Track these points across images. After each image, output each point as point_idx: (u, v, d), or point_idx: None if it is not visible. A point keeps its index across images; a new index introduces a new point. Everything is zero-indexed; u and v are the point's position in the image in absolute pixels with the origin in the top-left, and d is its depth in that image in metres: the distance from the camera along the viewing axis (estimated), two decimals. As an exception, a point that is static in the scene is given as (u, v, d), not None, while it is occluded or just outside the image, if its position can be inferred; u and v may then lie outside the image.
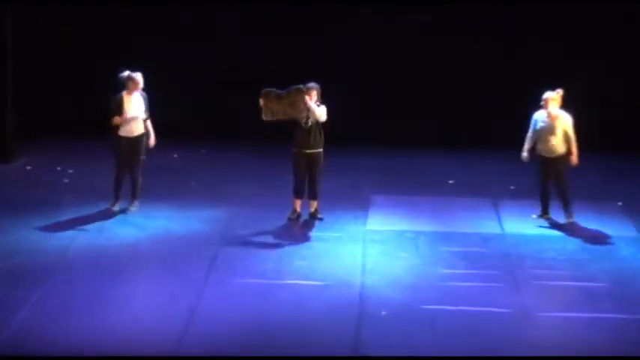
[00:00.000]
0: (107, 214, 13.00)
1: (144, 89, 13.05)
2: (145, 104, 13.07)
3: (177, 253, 11.76)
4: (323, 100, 12.86)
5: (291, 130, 12.90)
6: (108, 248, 11.86)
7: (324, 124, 12.82)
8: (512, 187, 14.60)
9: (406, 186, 14.85)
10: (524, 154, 13.01)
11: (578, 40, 16.61)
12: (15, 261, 11.37)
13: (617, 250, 12.08)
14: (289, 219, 12.96)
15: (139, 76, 12.98)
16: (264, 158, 15.93)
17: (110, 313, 10.08)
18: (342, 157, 15.11)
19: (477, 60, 16.98)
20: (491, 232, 12.68)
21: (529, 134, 12.98)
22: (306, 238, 12.40)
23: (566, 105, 12.87)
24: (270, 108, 12.74)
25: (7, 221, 12.72)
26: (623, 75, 16.64)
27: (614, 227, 12.80)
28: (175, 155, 16.21)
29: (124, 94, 12.96)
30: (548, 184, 12.97)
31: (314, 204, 12.99)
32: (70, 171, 15.21)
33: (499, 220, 13.16)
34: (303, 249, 12.02)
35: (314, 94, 12.72)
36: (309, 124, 12.76)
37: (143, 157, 13.20)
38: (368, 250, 11.92)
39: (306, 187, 12.95)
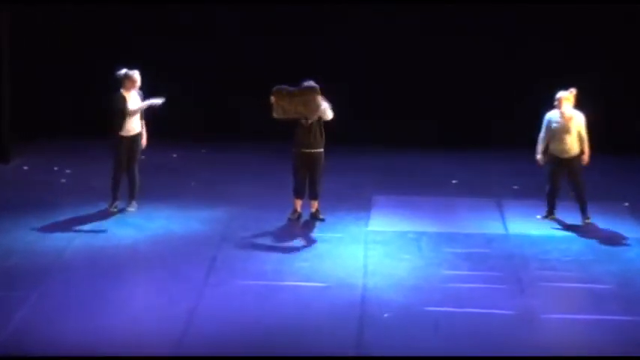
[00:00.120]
0: (105, 215, 12.94)
1: (141, 88, 12.98)
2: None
3: (177, 254, 11.69)
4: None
5: (291, 130, 12.83)
6: (106, 249, 11.79)
7: (325, 123, 12.74)
8: (515, 187, 14.56)
9: (407, 186, 14.82)
10: (539, 156, 12.88)
11: (578, 40, 16.60)
12: (12, 261, 11.31)
13: (622, 252, 12.01)
14: (290, 219, 12.88)
15: (136, 74, 12.92)
16: (264, 158, 15.92)
17: (109, 313, 10.01)
18: (342, 157, 15.08)
19: (477, 60, 17.02)
20: (495, 233, 12.61)
21: (541, 135, 12.87)
22: (307, 239, 12.33)
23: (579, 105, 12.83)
24: (281, 105, 12.62)
25: (4, 221, 12.66)
26: (623, 75, 16.62)
27: (620, 228, 12.74)
28: (175, 155, 16.17)
29: (123, 92, 12.88)
30: (558, 184, 12.88)
31: (315, 204, 12.92)
32: (68, 171, 15.17)
33: (503, 220, 13.11)
34: (304, 250, 11.96)
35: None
36: (310, 123, 12.68)
37: (142, 157, 13.13)
38: (370, 251, 11.85)
39: (306, 187, 12.88)
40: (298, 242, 12.22)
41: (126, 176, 13.09)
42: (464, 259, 11.64)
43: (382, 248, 11.96)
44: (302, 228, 12.74)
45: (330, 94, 12.99)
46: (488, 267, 11.42)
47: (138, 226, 12.59)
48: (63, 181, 14.71)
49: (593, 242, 12.30)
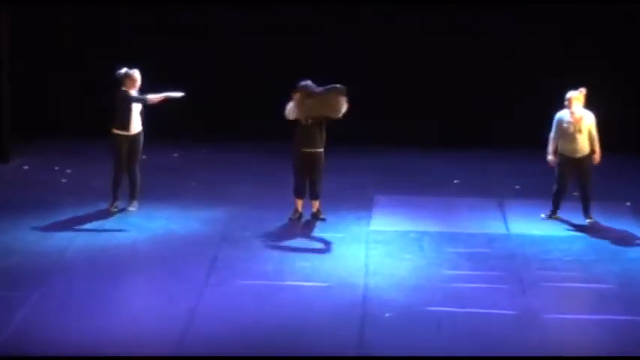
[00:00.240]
0: (106, 215, 12.92)
1: (141, 87, 12.96)
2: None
3: (178, 254, 11.67)
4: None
5: (291, 130, 12.81)
6: (107, 249, 11.77)
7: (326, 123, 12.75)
8: (517, 187, 14.54)
9: (407, 186, 14.80)
10: (550, 156, 12.85)
11: (578, 40, 16.59)
12: (13, 261, 11.28)
13: (624, 251, 11.98)
14: (291, 219, 12.86)
15: (136, 74, 12.90)
16: (264, 158, 15.90)
17: (110, 313, 9.98)
18: (342, 157, 15.05)
19: (477, 60, 17.00)
20: (497, 233, 12.59)
21: (552, 135, 12.84)
22: (308, 239, 12.31)
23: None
24: (305, 104, 12.56)
25: (4, 221, 12.63)
26: (623, 75, 16.61)
27: (621, 228, 12.73)
28: (176, 155, 16.15)
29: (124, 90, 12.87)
30: (566, 184, 12.85)
31: (316, 204, 12.90)
32: (69, 171, 15.14)
33: (504, 220, 13.08)
34: (305, 250, 11.93)
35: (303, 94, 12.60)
36: (311, 122, 12.66)
37: (143, 157, 13.11)
38: (371, 251, 11.82)
39: (307, 187, 12.85)
40: (299, 242, 12.20)
41: (126, 176, 13.06)
42: (465, 258, 11.62)
43: (384, 248, 11.93)
44: (303, 228, 12.72)
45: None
46: (489, 267, 11.40)
47: (138, 226, 12.57)
48: (64, 180, 14.69)
49: (595, 242, 12.28)
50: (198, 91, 17.13)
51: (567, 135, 12.72)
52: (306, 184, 12.85)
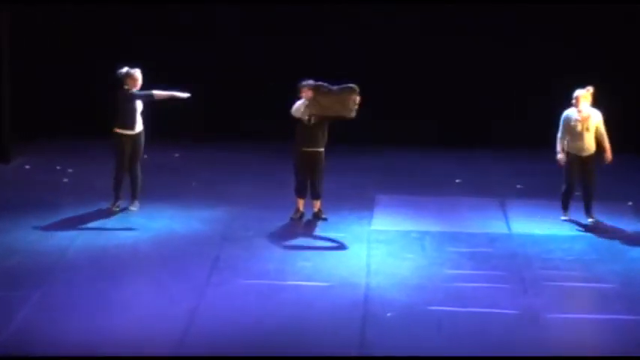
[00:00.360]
0: (107, 214, 12.91)
1: (141, 87, 12.95)
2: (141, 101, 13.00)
3: (179, 254, 11.66)
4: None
5: (291, 129, 12.81)
6: (108, 248, 11.76)
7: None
8: (519, 187, 14.53)
9: (407, 186, 14.79)
10: (559, 155, 12.82)
11: (578, 40, 16.59)
12: (14, 261, 11.27)
13: (626, 251, 11.98)
14: (292, 219, 12.85)
15: (137, 73, 12.89)
16: (264, 158, 15.90)
17: (111, 313, 9.98)
18: (342, 157, 15.05)
19: (477, 60, 17.00)
20: (498, 232, 12.58)
21: (559, 134, 12.82)
22: (309, 239, 12.31)
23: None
24: (318, 101, 12.53)
25: (6, 221, 12.62)
26: (623, 75, 16.61)
27: (623, 227, 12.72)
28: (177, 155, 16.15)
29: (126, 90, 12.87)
30: (575, 183, 12.84)
31: (317, 204, 12.89)
32: (70, 170, 15.14)
33: (506, 219, 13.08)
34: (306, 249, 11.92)
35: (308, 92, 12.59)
36: (312, 122, 12.65)
37: (145, 156, 13.11)
38: (373, 251, 11.82)
39: (308, 187, 12.85)
40: (301, 241, 12.19)
41: (128, 175, 13.05)
42: (467, 258, 11.61)
43: (385, 247, 11.93)
44: (304, 227, 12.71)
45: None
46: (491, 266, 11.39)
47: (140, 225, 12.56)
48: (65, 180, 14.68)
49: (597, 241, 12.28)
50: (199, 91, 17.15)
51: (575, 133, 12.70)
52: (307, 184, 12.84)
